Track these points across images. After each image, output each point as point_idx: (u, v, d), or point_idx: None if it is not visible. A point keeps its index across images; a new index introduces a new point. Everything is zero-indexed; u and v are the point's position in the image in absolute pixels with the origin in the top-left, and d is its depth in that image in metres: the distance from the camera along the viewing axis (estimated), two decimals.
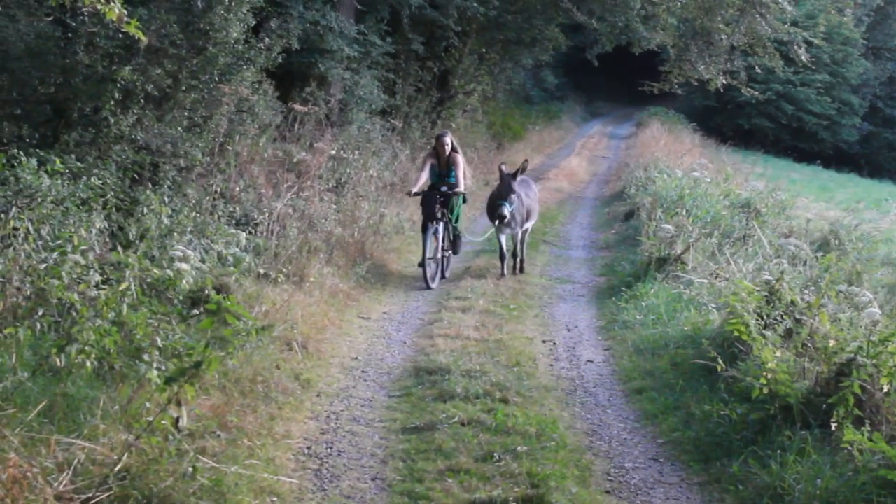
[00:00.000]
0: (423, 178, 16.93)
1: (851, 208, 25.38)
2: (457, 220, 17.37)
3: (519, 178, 17.11)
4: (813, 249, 17.57)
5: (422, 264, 16.32)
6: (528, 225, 18.14)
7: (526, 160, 18.21)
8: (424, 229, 16.50)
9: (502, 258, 17.36)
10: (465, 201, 17.76)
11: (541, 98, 54.49)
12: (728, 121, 56.61)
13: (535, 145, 40.03)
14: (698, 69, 33.00)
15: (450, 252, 17.51)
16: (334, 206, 17.25)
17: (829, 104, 57.81)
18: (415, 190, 16.74)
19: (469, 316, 13.70)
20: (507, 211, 16.62)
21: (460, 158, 17.14)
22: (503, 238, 17.28)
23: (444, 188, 16.86)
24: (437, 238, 16.64)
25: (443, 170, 17.02)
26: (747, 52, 34.29)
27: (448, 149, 16.97)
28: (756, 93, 38.54)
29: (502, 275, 17.10)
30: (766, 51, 33.01)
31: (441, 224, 16.63)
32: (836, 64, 58.30)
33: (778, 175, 33.18)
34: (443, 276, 17.15)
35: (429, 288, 16.09)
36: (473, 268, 17.52)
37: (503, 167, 17.41)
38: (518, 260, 17.88)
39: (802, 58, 33.62)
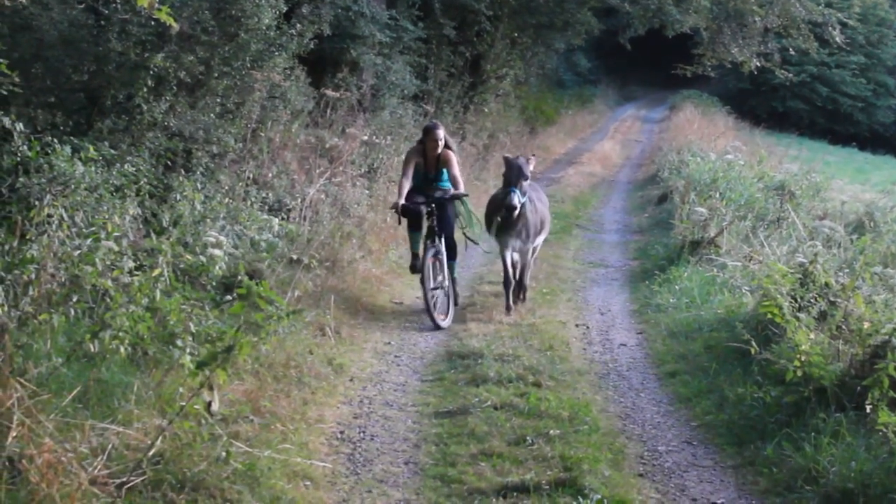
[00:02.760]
0: (408, 187, 13.20)
1: (887, 190, 25.24)
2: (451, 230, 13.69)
3: (529, 171, 13.28)
4: (847, 232, 17.49)
5: (425, 300, 12.90)
6: (539, 240, 14.39)
7: (533, 154, 15.12)
8: (415, 255, 13.55)
9: (507, 284, 13.56)
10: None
11: (574, 82, 54.43)
12: (762, 103, 56.23)
13: (568, 129, 40.02)
14: (731, 51, 32.87)
15: (450, 278, 13.62)
16: (367, 192, 17.26)
17: (865, 86, 57.52)
18: (403, 201, 12.99)
19: (502, 300, 13.68)
20: (517, 200, 12.84)
21: (454, 157, 13.59)
22: (509, 255, 13.54)
23: (437, 194, 13.35)
24: (439, 261, 13.26)
25: (430, 171, 13.54)
26: (781, 33, 34.16)
27: (441, 145, 13.37)
28: (790, 75, 38.40)
29: (508, 308, 13.49)
30: (800, 32, 32.86)
31: (441, 242, 13.30)
32: (872, 45, 58.01)
33: (812, 157, 32.99)
34: (455, 304, 13.65)
35: (438, 328, 12.74)
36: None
37: (507, 155, 13.75)
38: (521, 289, 14.03)
39: (837, 39, 33.47)
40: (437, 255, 13.18)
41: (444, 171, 13.47)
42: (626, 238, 20.82)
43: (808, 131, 53.83)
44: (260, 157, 14.84)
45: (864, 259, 12.75)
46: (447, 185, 13.51)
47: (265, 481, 7.03)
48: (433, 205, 13.28)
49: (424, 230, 13.41)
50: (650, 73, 64.37)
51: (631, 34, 35.33)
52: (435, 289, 13.11)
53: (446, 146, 13.48)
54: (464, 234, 14.08)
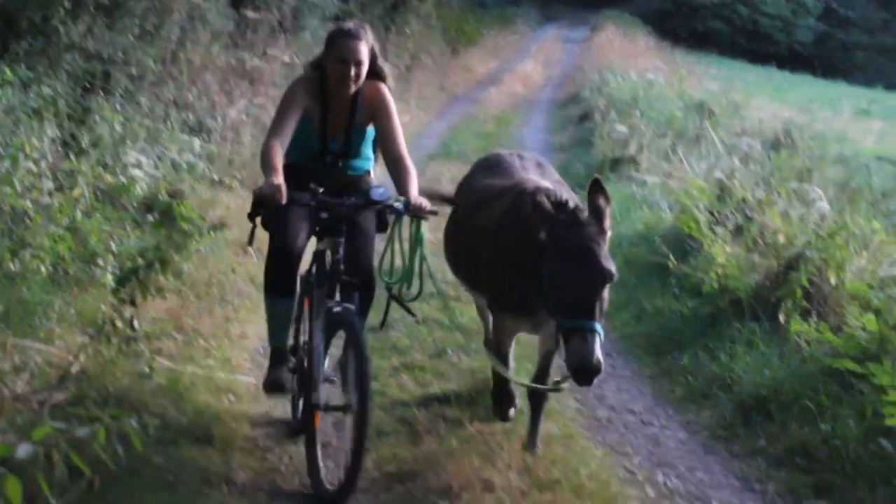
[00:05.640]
0: (279, 160, 6.11)
1: (804, 108, 25.58)
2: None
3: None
4: (765, 148, 17.75)
5: (308, 444, 6.16)
6: None
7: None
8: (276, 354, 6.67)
9: (506, 401, 7.28)
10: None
11: (495, 3, 54.16)
12: (683, 23, 56.51)
13: (490, 50, 39.93)
14: None
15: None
16: None
17: (784, 5, 57.96)
18: (279, 181, 5.88)
19: None
20: (599, 352, 5.65)
21: (392, 101, 6.66)
22: (512, 344, 7.22)
23: (350, 201, 6.20)
24: (349, 327, 6.22)
25: (333, 134, 6.59)
26: None
27: (361, 72, 6.41)
28: None
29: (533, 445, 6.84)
30: None
31: (356, 296, 6.49)
32: None
33: (732, 76, 33.37)
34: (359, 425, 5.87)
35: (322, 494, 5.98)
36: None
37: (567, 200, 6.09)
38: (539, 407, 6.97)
39: None
40: (342, 318, 6.23)
41: (368, 134, 6.68)
42: (547, 156, 20.75)
43: (729, 51, 54.19)
44: (180, 79, 14.72)
45: (780, 174, 12.95)
46: (365, 164, 6.87)
47: (189, 396, 7.08)
48: (335, 219, 6.25)
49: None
50: None
51: None
52: (326, 408, 6.12)
53: (375, 74, 6.60)
54: (392, 295, 6.90)
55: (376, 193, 6.16)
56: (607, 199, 6.00)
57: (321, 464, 6.05)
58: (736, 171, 12.35)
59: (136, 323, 7.11)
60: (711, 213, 11.07)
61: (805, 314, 8.56)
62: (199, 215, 8.74)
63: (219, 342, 8.39)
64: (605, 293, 5.78)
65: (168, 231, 7.83)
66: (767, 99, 32.82)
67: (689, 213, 10.99)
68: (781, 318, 8.69)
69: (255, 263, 10.80)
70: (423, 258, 6.65)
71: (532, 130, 24.80)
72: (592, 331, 5.60)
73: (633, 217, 13.32)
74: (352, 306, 6.31)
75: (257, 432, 6.94)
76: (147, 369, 7.02)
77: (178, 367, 7.40)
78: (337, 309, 6.24)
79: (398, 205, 6.19)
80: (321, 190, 6.06)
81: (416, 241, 6.55)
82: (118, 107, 12.08)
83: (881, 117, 31.86)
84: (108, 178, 10.14)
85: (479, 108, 26.85)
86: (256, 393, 7.61)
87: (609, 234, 5.98)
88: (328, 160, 6.62)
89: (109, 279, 8.02)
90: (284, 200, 5.82)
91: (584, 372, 5.67)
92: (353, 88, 6.40)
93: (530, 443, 6.84)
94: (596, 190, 6.00)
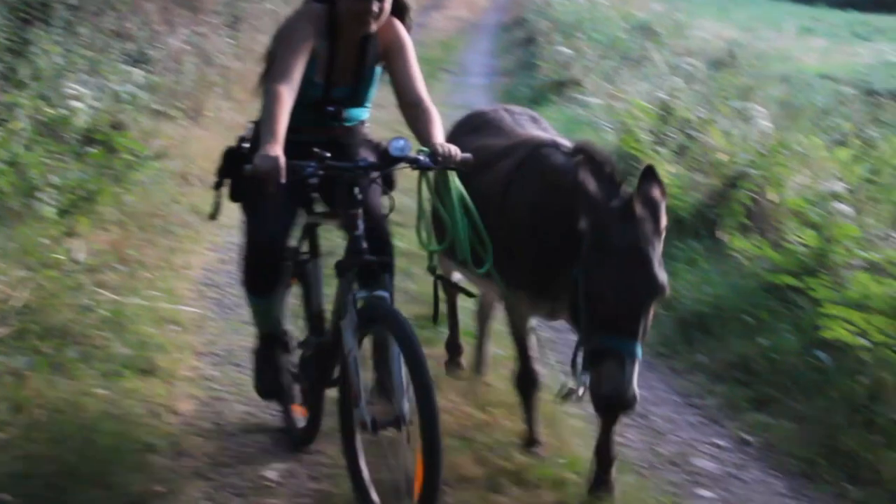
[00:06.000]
0: (284, 119, 4.74)
1: (748, 28, 25.64)
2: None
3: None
4: (709, 68, 17.83)
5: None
6: None
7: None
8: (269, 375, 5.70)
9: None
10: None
11: None
12: None
13: None
14: None
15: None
16: (231, 41, 17.06)
17: None
18: (277, 153, 4.51)
19: None
20: (636, 379, 4.53)
21: (410, 43, 5.46)
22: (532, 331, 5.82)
23: (364, 161, 5.13)
24: (397, 330, 4.68)
25: (340, 78, 5.28)
26: None
27: (385, 6, 5.12)
28: None
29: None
30: None
31: (391, 281, 5.23)
32: None
33: None
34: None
35: None
36: None
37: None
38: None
39: None
40: (379, 312, 4.96)
41: (375, 78, 5.49)
42: (492, 80, 20.88)
43: None
44: (120, 9, 14.56)
45: (723, 94, 13.02)
46: (362, 114, 5.63)
47: (132, 327, 7.04)
48: (352, 185, 5.03)
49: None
50: None
51: None
52: (376, 427, 4.88)
53: (396, 8, 5.35)
54: (438, 276, 5.54)
55: (395, 148, 4.83)
56: (663, 191, 4.83)
57: (375, 496, 4.94)
58: (679, 92, 12.38)
59: (78, 255, 7.10)
60: (654, 134, 11.13)
61: (746, 231, 8.68)
62: (140, 145, 8.68)
63: (162, 273, 8.36)
64: (652, 309, 4.69)
65: (109, 162, 7.80)
66: (712, 19, 32.86)
67: (632, 134, 11.05)
68: (723, 236, 8.78)
69: (197, 193, 10.77)
70: (459, 205, 5.26)
71: (477, 55, 24.78)
72: (632, 356, 4.52)
73: (576, 138, 13.35)
74: (386, 294, 5.04)
75: (202, 362, 6.96)
76: (90, 301, 7.01)
77: (122, 299, 7.38)
78: (369, 300, 5.04)
79: (423, 158, 4.96)
80: (328, 155, 4.77)
81: (451, 196, 5.26)
82: (58, 38, 11.95)
83: (824, 36, 32.00)
84: (49, 110, 10.05)
85: (424, 34, 26.73)
86: (201, 322, 7.64)
87: (663, 235, 4.75)
88: (329, 111, 5.33)
89: (51, 212, 7.98)
90: (284, 179, 4.52)
91: (614, 407, 4.66)
92: (373, 28, 5.18)
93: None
94: (650, 178, 4.84)
